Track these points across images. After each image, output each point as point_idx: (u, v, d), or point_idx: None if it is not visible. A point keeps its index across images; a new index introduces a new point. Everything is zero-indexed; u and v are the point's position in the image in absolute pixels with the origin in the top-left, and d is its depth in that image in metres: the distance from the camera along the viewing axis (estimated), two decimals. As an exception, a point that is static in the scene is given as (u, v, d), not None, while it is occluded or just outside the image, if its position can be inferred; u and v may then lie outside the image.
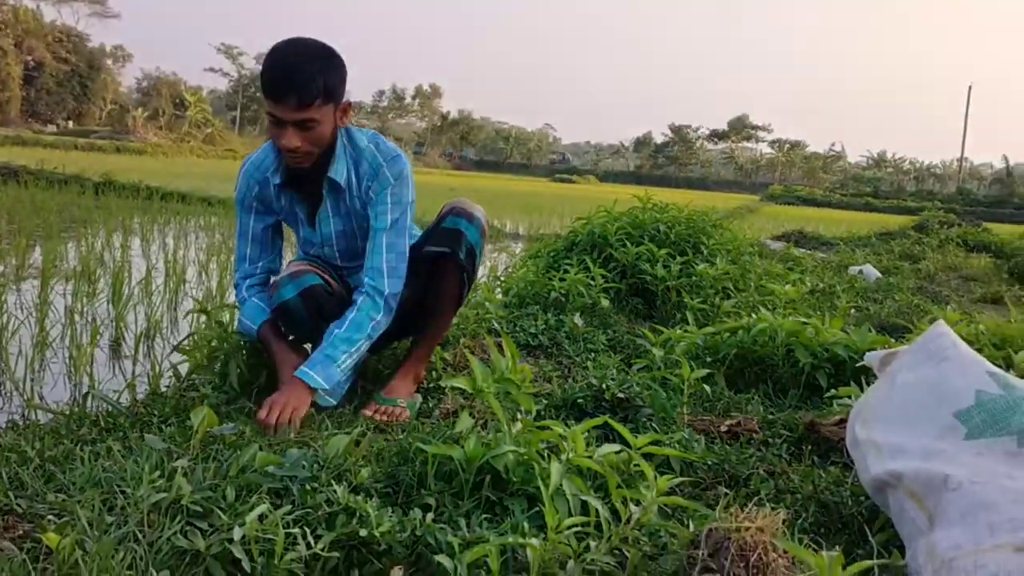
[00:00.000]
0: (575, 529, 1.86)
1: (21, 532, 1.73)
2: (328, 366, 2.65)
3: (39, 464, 1.98)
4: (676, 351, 3.71)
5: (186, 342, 3.15)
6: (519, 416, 2.47)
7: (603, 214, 6.06)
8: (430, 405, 2.97)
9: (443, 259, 3.00)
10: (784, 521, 1.81)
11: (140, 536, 1.66)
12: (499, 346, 2.72)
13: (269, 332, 2.88)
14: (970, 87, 78.15)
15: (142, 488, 1.79)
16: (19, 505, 1.79)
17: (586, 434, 2.27)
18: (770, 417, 3.10)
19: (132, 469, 1.90)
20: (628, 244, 5.54)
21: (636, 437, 2.33)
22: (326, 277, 2.97)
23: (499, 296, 4.77)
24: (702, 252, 5.69)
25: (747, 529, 1.73)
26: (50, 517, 1.72)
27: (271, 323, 2.88)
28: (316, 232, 2.98)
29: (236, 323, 2.99)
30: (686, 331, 3.95)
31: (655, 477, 1.92)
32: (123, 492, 1.81)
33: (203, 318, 3.43)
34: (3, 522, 1.77)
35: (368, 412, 2.78)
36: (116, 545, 1.60)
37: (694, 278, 5.27)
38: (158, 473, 1.86)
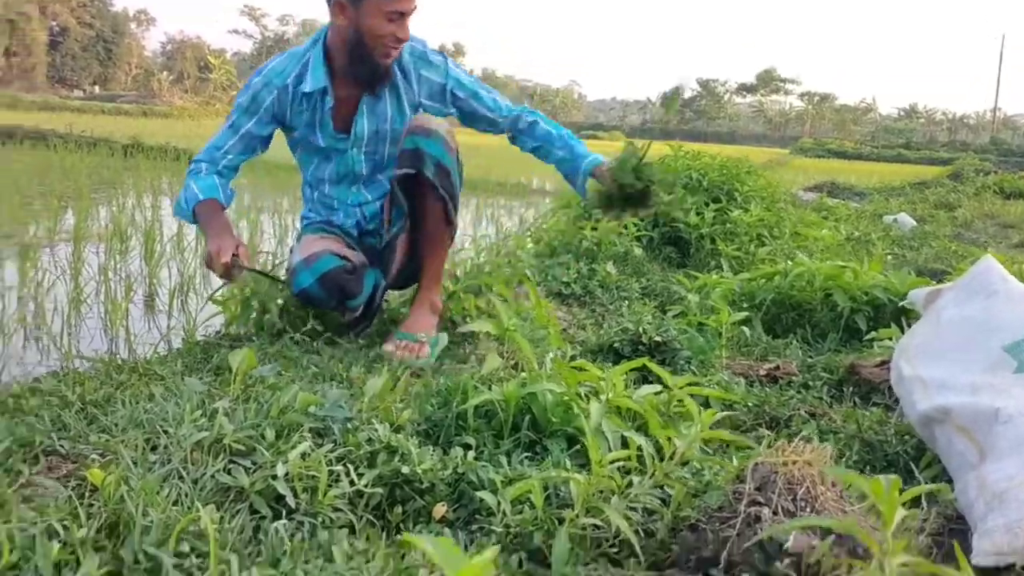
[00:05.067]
0: (618, 464, 1.84)
1: (65, 472, 1.75)
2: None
3: (81, 408, 2.00)
4: (712, 297, 3.68)
5: (220, 293, 3.16)
6: (553, 358, 2.46)
7: (634, 163, 5.97)
8: (465, 351, 2.96)
9: (412, 181, 2.90)
10: (830, 458, 1.78)
11: (184, 473, 1.67)
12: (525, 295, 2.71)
13: (211, 207, 2.88)
14: (1003, 36, 76.34)
15: (184, 427, 1.80)
16: (62, 446, 1.80)
17: (624, 377, 2.25)
18: (809, 361, 3.07)
19: (173, 411, 1.91)
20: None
21: (675, 379, 2.31)
22: (340, 250, 2.92)
23: (530, 246, 4.74)
24: (736, 199, 5.62)
25: (794, 463, 1.71)
26: (94, 457, 1.73)
27: (215, 201, 2.89)
28: (347, 136, 2.98)
29: (176, 204, 2.97)
30: (722, 278, 3.91)
31: (699, 411, 1.90)
32: (165, 432, 1.81)
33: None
34: (47, 463, 1.78)
35: (389, 347, 2.77)
36: (160, 482, 1.61)
37: (728, 225, 5.22)
38: (200, 413, 1.87)
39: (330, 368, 2.52)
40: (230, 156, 2.99)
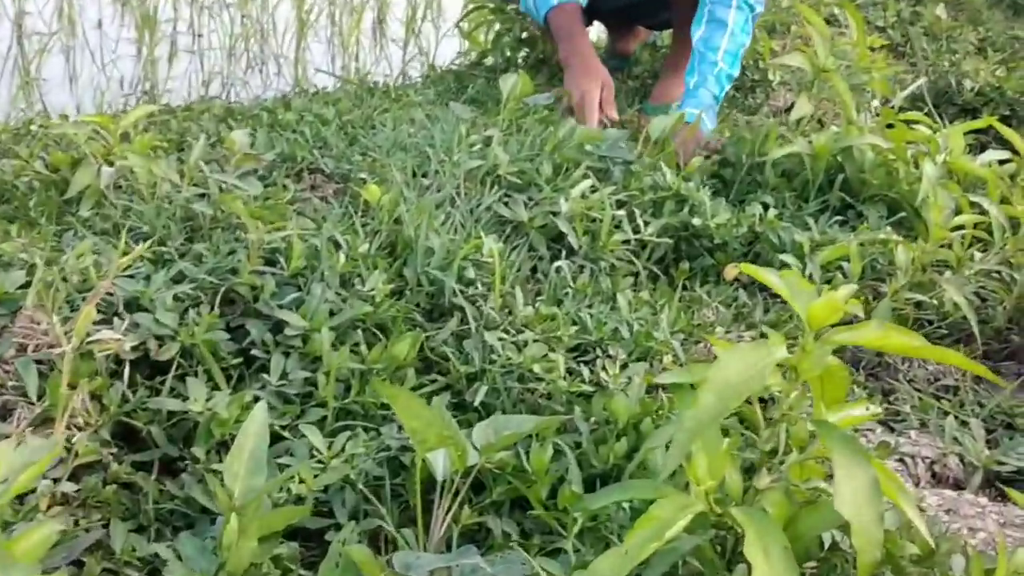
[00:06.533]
0: (957, 234, 1.82)
1: (332, 191, 1.94)
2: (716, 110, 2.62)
3: (339, 127, 2.17)
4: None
5: (465, 23, 3.23)
6: (874, 106, 2.40)
7: None
8: (756, 102, 2.94)
9: None
10: None
11: (459, 201, 1.81)
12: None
13: (570, 16, 2.69)
14: None
15: (456, 153, 1.93)
16: (325, 164, 1.98)
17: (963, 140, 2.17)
18: None
19: (441, 137, 2.04)
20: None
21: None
22: None
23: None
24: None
25: None
26: (361, 176, 1.90)
27: (576, 8, 2.68)
28: None
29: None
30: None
31: (1071, 178, 1.82)
32: (434, 158, 1.95)
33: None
34: (311, 180, 1.98)
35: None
36: (436, 207, 1.75)
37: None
38: (474, 138, 1.99)
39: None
40: None
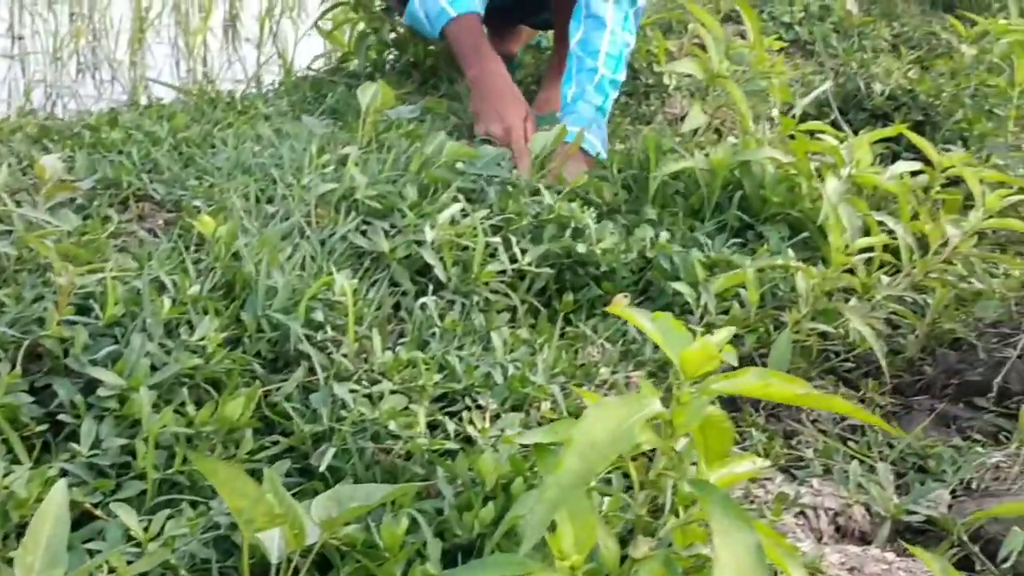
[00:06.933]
0: (862, 257, 1.86)
1: (162, 221, 1.89)
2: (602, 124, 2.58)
3: (173, 146, 2.13)
4: (994, 52, 3.53)
5: (325, 21, 3.21)
6: (778, 116, 2.45)
7: None
8: (651, 109, 2.97)
9: None
10: None
11: (308, 231, 1.78)
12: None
13: (470, 29, 2.65)
14: None
15: (306, 176, 1.91)
16: (156, 191, 1.94)
17: (871, 150, 2.23)
18: None
19: (290, 156, 2.01)
20: None
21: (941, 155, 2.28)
22: None
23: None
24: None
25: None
26: (196, 204, 1.86)
27: (474, 18, 2.65)
28: None
29: (407, 8, 2.75)
30: (1010, 25, 3.73)
31: (982, 193, 1.88)
32: (282, 181, 1.92)
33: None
34: (139, 209, 1.93)
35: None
36: (281, 239, 1.72)
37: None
38: (326, 159, 1.97)
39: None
40: None
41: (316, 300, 1.58)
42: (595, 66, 2.53)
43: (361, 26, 3.06)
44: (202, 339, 1.44)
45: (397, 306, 1.75)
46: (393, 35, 3.02)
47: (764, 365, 1.77)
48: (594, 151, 2.43)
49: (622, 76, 2.60)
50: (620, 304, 1.94)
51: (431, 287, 1.78)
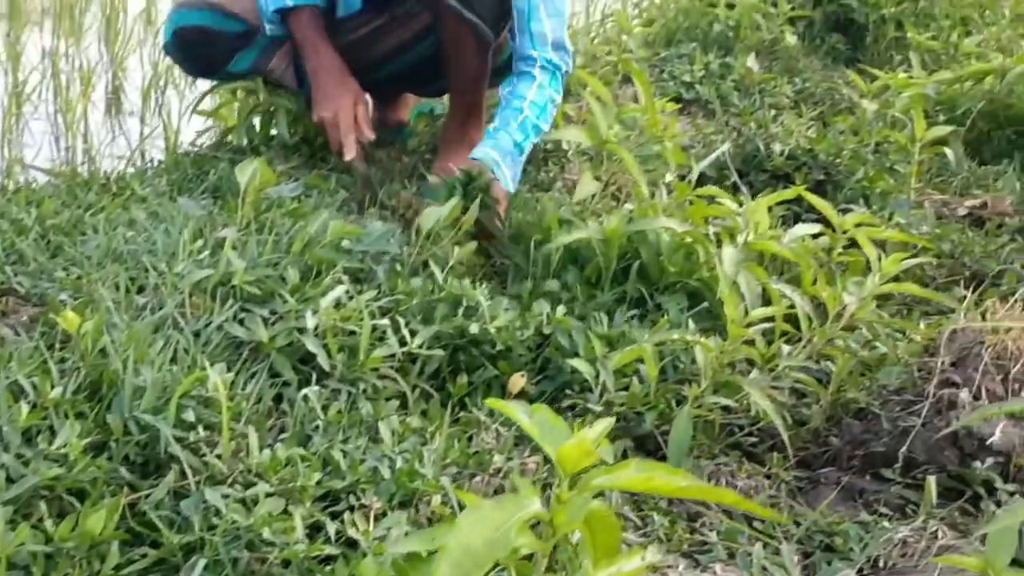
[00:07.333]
0: (761, 327, 1.87)
1: (26, 317, 1.84)
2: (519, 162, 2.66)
3: (40, 235, 2.07)
4: (895, 106, 3.62)
5: (208, 100, 3.19)
6: (672, 182, 2.46)
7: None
8: (548, 174, 2.98)
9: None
10: (1056, 326, 1.79)
11: (182, 322, 1.74)
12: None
13: (309, 21, 2.72)
14: None
15: (180, 263, 1.87)
16: (20, 284, 1.88)
17: (770, 212, 2.25)
18: (1031, 196, 3.04)
19: (164, 241, 1.98)
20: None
21: (841, 217, 2.31)
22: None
23: (638, 29, 4.66)
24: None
25: (1008, 331, 1.72)
26: (63, 298, 1.81)
27: (313, 10, 2.72)
28: None
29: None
30: (910, 78, 3.83)
31: (878, 258, 1.91)
32: (155, 269, 1.88)
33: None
34: (1, 305, 1.87)
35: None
36: (152, 332, 1.68)
37: (921, 3, 5.08)
38: (200, 244, 1.93)
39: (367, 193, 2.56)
40: None
41: (188, 397, 1.54)
42: (521, 107, 2.65)
43: (247, 98, 3.03)
44: (64, 446, 1.39)
45: (279, 398, 1.72)
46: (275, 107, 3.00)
47: (666, 443, 1.76)
48: (505, 183, 2.49)
49: (545, 126, 2.69)
50: (517, 385, 1.94)
51: (315, 376, 1.74)
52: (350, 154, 2.40)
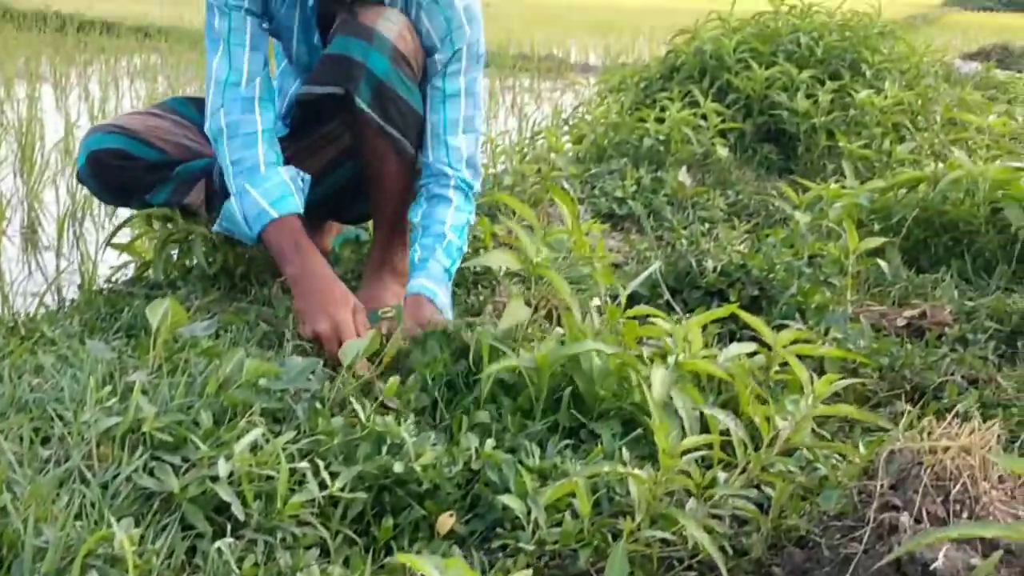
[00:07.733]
0: (697, 454, 1.87)
1: (-77, 475, 1.80)
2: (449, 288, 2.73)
3: (-60, 384, 2.05)
4: (829, 217, 3.68)
5: (123, 233, 3.18)
6: (600, 303, 2.47)
7: (715, 24, 5.93)
8: (477, 299, 2.99)
9: (334, 105, 2.75)
10: (997, 442, 1.80)
11: (88, 474, 1.71)
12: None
13: (296, 230, 2.66)
14: None
15: (87, 411, 1.84)
16: (-84, 439, 1.85)
17: (703, 331, 2.27)
18: (969, 305, 3.07)
19: (71, 388, 1.95)
20: (754, 66, 5.45)
21: (776, 334, 2.33)
22: (152, 132, 2.90)
23: (568, 146, 4.75)
24: (863, 74, 5.58)
25: (946, 450, 1.73)
26: (-38, 454, 1.77)
27: (294, 219, 2.66)
28: (315, 54, 2.89)
29: (221, 214, 2.73)
30: (843, 188, 3.91)
31: (811, 379, 1.92)
32: (60, 418, 1.86)
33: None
34: None
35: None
36: (56, 487, 1.65)
37: (852, 112, 5.20)
38: (108, 390, 1.91)
39: (288, 325, 2.56)
40: (258, 81, 2.79)
41: (94, 557, 1.50)
42: (443, 231, 2.70)
43: (162, 232, 3.03)
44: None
45: (192, 551, 1.68)
46: (194, 238, 3.00)
47: (603, 581, 1.74)
48: (445, 312, 2.56)
49: (465, 247, 2.76)
50: (446, 525, 1.92)
51: (230, 526, 1.71)
52: (361, 371, 2.30)
